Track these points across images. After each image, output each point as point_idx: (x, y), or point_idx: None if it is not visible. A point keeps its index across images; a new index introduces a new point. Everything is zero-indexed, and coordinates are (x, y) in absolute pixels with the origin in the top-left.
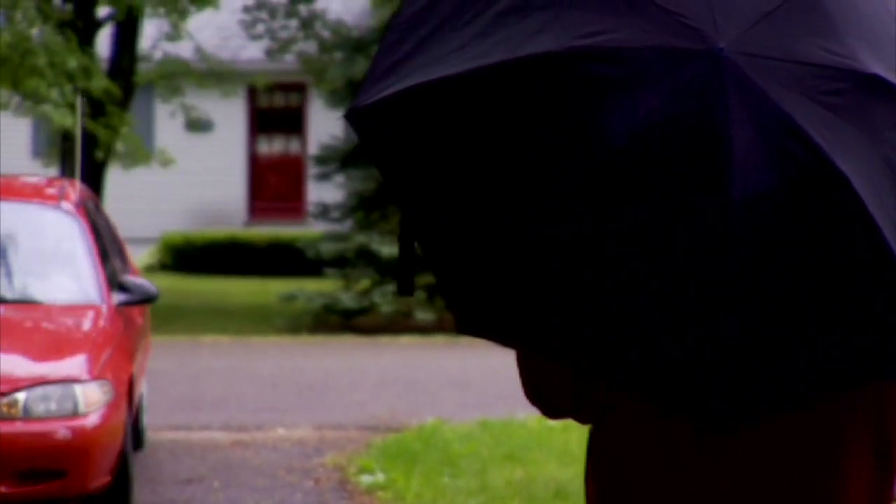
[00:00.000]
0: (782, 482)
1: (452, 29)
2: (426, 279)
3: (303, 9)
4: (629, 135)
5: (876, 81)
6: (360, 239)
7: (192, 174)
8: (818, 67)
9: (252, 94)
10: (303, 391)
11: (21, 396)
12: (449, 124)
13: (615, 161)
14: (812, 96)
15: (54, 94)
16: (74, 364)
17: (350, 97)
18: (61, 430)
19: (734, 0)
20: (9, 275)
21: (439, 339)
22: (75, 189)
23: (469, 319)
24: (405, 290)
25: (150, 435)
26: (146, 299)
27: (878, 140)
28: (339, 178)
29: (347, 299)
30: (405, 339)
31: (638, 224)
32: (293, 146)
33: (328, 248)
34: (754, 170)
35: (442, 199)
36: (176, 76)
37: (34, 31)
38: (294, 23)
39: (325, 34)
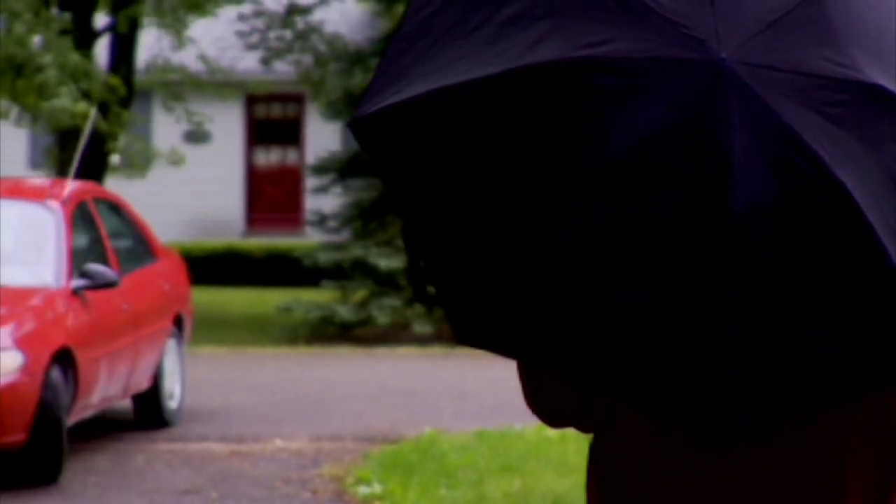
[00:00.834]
0: (784, 494)
1: (455, 38)
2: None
3: (299, 20)
4: (629, 145)
5: (879, 92)
6: (358, 250)
7: (189, 185)
8: (821, 78)
9: (249, 105)
10: (300, 402)
11: None
12: (450, 134)
13: (615, 172)
14: (814, 107)
15: (63, 91)
16: None
17: (347, 109)
18: None
19: (737, 10)
20: None
21: (437, 351)
22: (65, 189)
23: (469, 330)
24: (419, 296)
25: (148, 446)
26: (105, 285)
27: (880, 151)
28: (337, 189)
29: (345, 312)
30: (403, 350)
31: (638, 235)
32: (291, 157)
33: (325, 258)
34: (754, 180)
35: (443, 209)
36: (176, 84)
37: (35, 39)
38: (290, 34)
39: (322, 46)
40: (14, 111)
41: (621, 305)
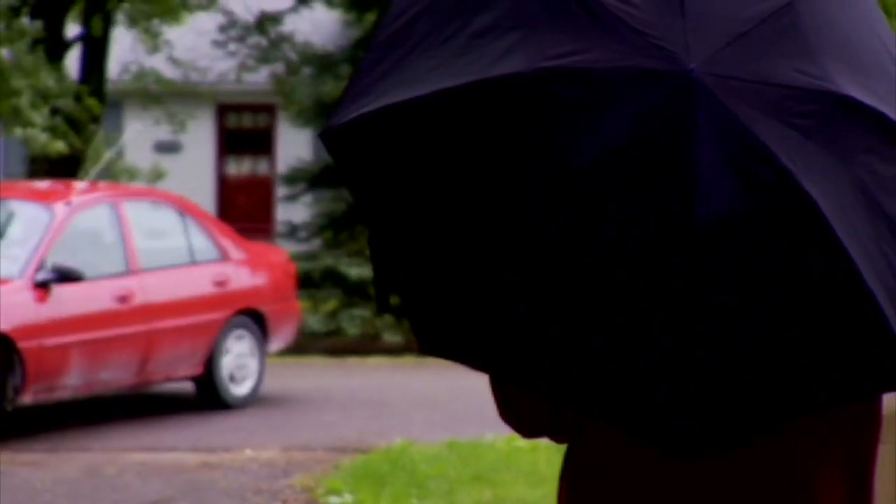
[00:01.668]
0: None
1: (427, 49)
2: (395, 301)
3: (271, 29)
4: (595, 156)
5: (850, 103)
6: (328, 260)
7: None
8: (790, 89)
9: (221, 114)
10: (271, 412)
11: None
12: (418, 145)
13: (581, 182)
14: (783, 118)
15: (35, 116)
16: None
17: (318, 118)
18: None
19: (708, 21)
20: None
21: (408, 361)
22: (74, 192)
23: (435, 342)
24: (383, 307)
25: (119, 456)
26: (66, 278)
27: (850, 162)
28: (308, 199)
29: (314, 322)
30: (373, 361)
31: (602, 247)
32: (262, 167)
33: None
34: (720, 192)
35: (411, 220)
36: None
37: (4, 52)
38: (262, 42)
39: (293, 55)
40: None
41: (586, 319)
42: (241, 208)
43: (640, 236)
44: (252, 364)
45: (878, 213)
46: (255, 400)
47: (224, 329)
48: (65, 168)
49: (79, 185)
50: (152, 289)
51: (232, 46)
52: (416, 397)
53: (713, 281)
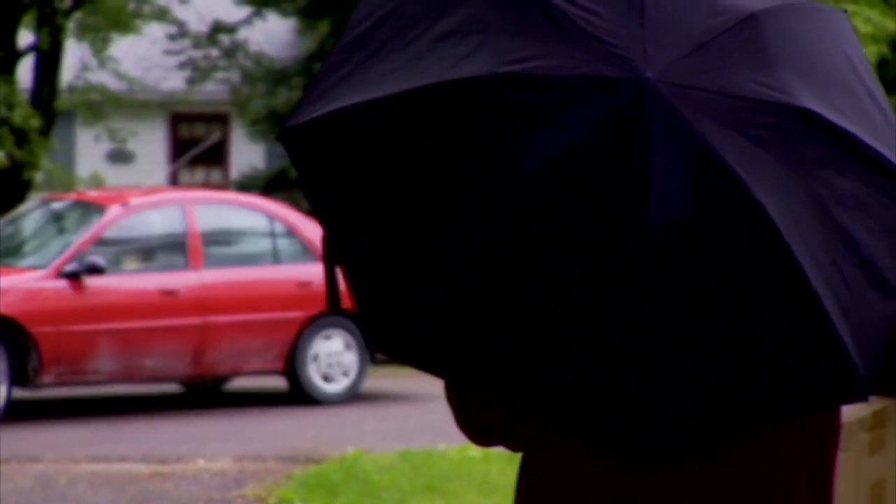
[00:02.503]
0: None
1: (389, 53)
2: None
3: (225, 39)
4: (549, 162)
5: (809, 116)
6: None
7: None
8: (748, 100)
9: (174, 124)
10: (223, 422)
11: None
12: (374, 146)
13: (536, 186)
14: (739, 129)
15: None
16: None
17: (271, 127)
18: None
19: (668, 30)
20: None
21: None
22: (131, 197)
23: (390, 344)
24: (334, 307)
25: (71, 467)
26: (92, 270)
27: (807, 175)
28: None
29: None
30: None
31: (555, 253)
32: (215, 177)
33: None
34: (672, 201)
35: (368, 220)
36: (98, 103)
37: None
38: (215, 52)
39: (248, 64)
40: None
41: (539, 324)
42: None
43: (592, 243)
44: (347, 362)
45: (833, 226)
46: (352, 398)
47: (309, 327)
48: (8, 179)
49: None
50: (210, 285)
51: (183, 56)
52: (369, 407)
53: (665, 289)
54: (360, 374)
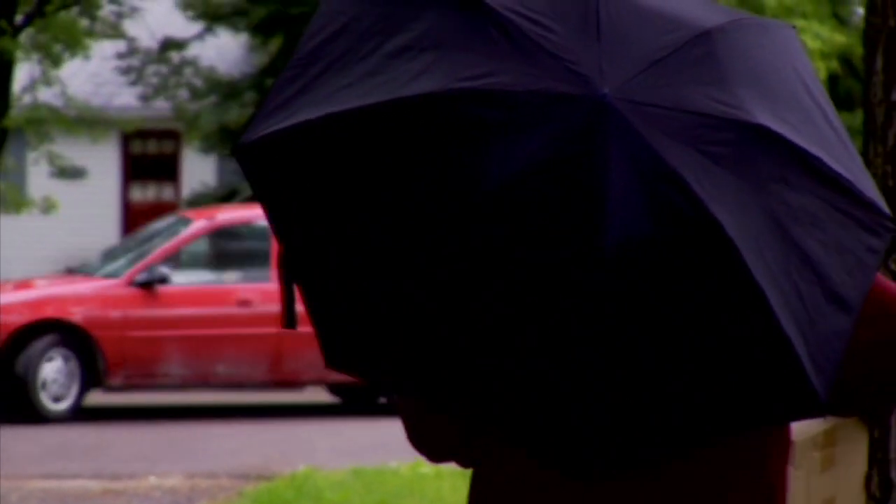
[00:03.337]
0: None
1: (343, 67)
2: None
3: (174, 55)
4: (506, 179)
5: (764, 132)
6: None
7: (65, 221)
8: (704, 117)
9: (125, 141)
10: (175, 439)
11: None
12: (330, 162)
13: (492, 203)
14: (695, 145)
15: None
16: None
17: (222, 143)
18: None
19: (624, 47)
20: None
21: (313, 387)
22: (216, 215)
23: (344, 359)
24: (289, 323)
25: (22, 483)
26: (159, 280)
27: (762, 191)
28: None
29: None
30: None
31: (512, 270)
32: (167, 193)
33: None
34: (629, 217)
35: (323, 237)
36: (45, 123)
37: None
38: (166, 69)
39: (198, 81)
40: None
41: (494, 339)
42: None
43: (550, 260)
44: None
45: (789, 242)
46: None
47: None
48: None
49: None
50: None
51: (133, 73)
52: (321, 424)
53: (621, 305)
54: None
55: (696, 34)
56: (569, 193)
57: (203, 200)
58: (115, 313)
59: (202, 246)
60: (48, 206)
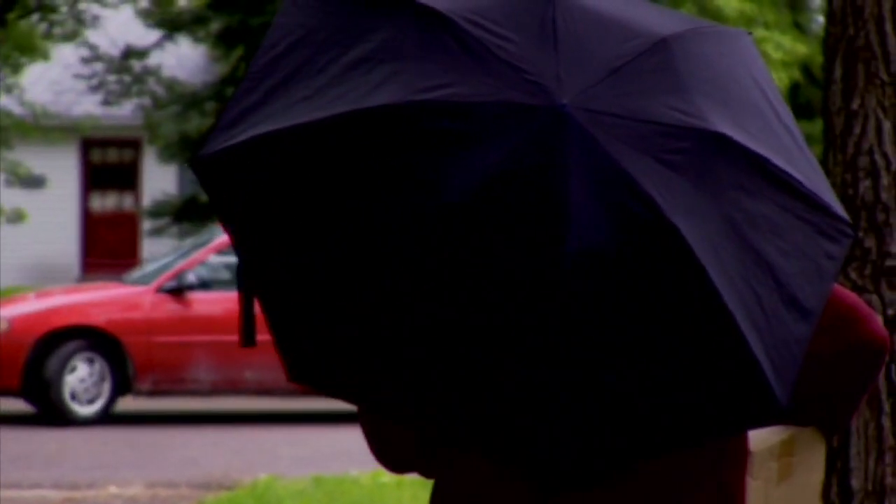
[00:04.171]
0: None
1: (301, 79)
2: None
3: (136, 64)
4: (466, 190)
5: (723, 140)
6: None
7: (24, 229)
8: (662, 125)
9: (85, 149)
10: (135, 448)
11: None
12: (289, 175)
13: (452, 215)
14: (654, 154)
15: None
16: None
17: (183, 152)
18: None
19: (581, 56)
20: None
21: (278, 394)
22: None
23: (305, 372)
24: (248, 340)
25: None
26: (186, 288)
27: (721, 199)
28: (173, 231)
29: None
30: (240, 396)
31: (474, 281)
32: (127, 202)
33: None
34: (590, 226)
35: (282, 250)
36: (3, 130)
37: None
38: (127, 77)
39: (159, 90)
40: None
41: (456, 351)
42: (107, 243)
43: (510, 270)
44: None
45: (748, 249)
46: None
47: None
48: None
49: None
50: None
51: (94, 80)
52: (282, 433)
53: (583, 313)
54: None
55: (653, 42)
56: (529, 204)
57: (163, 210)
58: (140, 319)
59: (233, 254)
60: (17, 217)
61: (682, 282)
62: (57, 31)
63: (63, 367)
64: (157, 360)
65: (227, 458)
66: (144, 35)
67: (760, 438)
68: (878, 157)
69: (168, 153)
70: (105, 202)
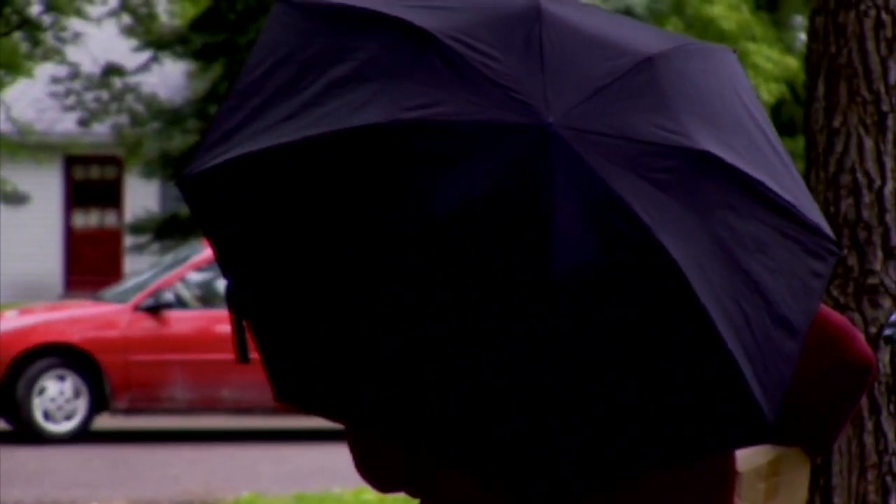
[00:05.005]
0: None
1: (286, 98)
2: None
3: (117, 81)
4: (452, 209)
5: (709, 159)
6: None
7: (7, 246)
8: (648, 144)
9: (68, 166)
10: (117, 465)
11: None
12: (275, 194)
13: (439, 235)
14: (640, 172)
15: None
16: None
17: (165, 169)
18: None
19: (567, 75)
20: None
21: (257, 412)
22: None
23: (292, 391)
24: (242, 357)
25: None
26: (163, 306)
27: (709, 217)
28: (155, 248)
29: None
30: (221, 413)
31: (460, 300)
32: (109, 219)
33: None
34: (577, 245)
35: (268, 269)
36: None
37: None
38: (107, 95)
39: (140, 107)
40: None
41: (443, 370)
42: (89, 260)
43: (498, 289)
44: None
45: (735, 267)
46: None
47: None
48: None
49: None
50: None
51: (73, 98)
52: (264, 450)
53: (570, 332)
54: None
55: (639, 60)
56: (516, 223)
57: (146, 226)
58: (116, 338)
59: (211, 272)
60: None
61: (670, 301)
62: (38, 51)
63: (32, 386)
64: (134, 379)
65: (207, 476)
66: (127, 53)
67: (748, 459)
68: (860, 174)
69: (150, 170)
70: (88, 219)
